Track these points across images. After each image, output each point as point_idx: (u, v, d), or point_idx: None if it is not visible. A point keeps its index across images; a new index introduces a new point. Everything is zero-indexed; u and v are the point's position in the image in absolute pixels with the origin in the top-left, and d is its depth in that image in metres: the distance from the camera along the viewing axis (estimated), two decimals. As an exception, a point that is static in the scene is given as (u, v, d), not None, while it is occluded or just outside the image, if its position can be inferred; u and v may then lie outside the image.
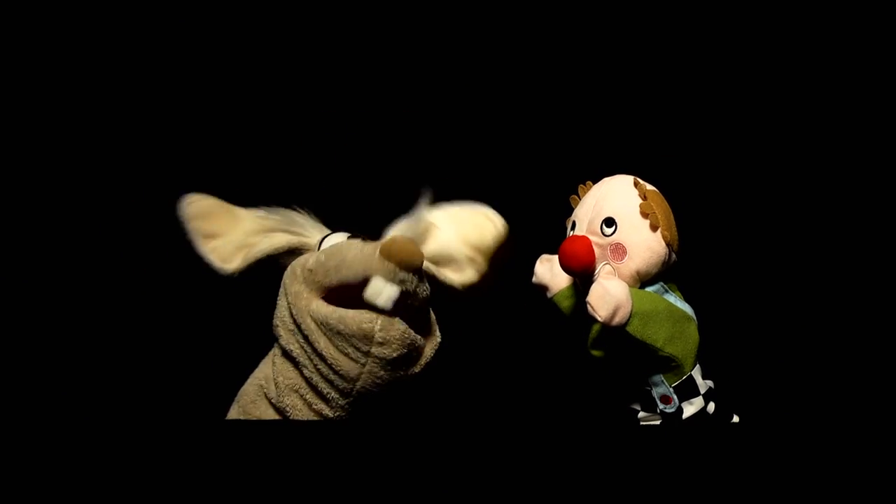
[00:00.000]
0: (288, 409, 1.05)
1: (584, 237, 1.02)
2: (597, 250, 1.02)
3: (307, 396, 1.04)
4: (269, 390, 1.07)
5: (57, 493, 0.84)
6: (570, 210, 1.08)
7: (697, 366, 1.04)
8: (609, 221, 1.02)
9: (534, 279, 1.10)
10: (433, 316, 1.09)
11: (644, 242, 1.02)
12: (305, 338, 1.02)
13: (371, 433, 0.97)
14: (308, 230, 1.11)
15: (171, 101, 1.36)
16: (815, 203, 1.30)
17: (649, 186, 1.05)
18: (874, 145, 1.30)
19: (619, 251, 1.02)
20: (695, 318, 1.05)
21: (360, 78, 1.37)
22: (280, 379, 1.06)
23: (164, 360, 1.29)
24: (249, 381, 1.10)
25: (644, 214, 1.02)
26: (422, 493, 0.86)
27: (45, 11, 1.32)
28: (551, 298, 1.09)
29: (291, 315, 1.04)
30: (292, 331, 1.04)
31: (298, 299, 1.03)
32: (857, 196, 1.30)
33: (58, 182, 1.35)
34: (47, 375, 1.26)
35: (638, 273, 1.02)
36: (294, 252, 1.09)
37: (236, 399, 1.10)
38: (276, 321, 1.06)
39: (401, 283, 0.99)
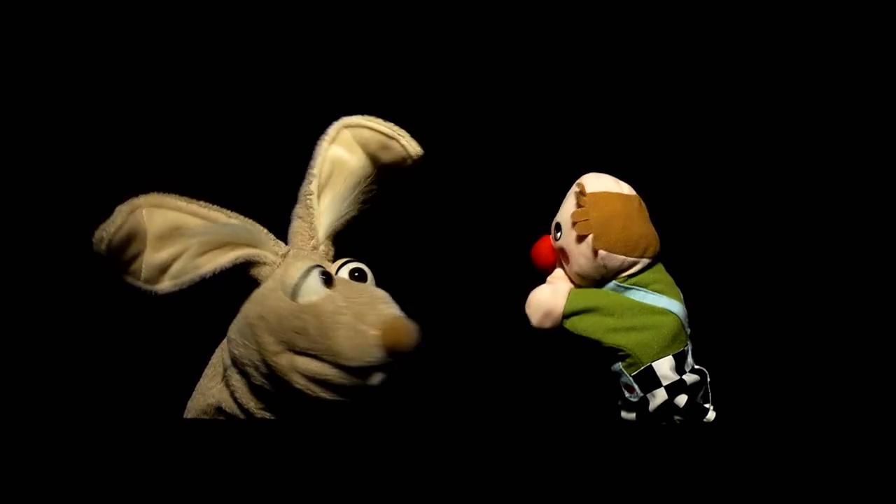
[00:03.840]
0: None
1: (546, 238, 1.09)
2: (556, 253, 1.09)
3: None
4: (234, 412, 1.04)
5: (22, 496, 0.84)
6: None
7: (669, 358, 1.04)
8: (557, 227, 1.08)
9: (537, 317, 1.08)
10: None
11: (576, 249, 1.05)
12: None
13: (360, 436, 0.97)
14: (253, 240, 1.02)
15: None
16: (811, 201, 1.30)
17: (604, 186, 1.05)
18: (862, 142, 1.29)
19: (565, 256, 1.07)
20: (676, 312, 1.05)
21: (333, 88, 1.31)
22: (251, 405, 1.03)
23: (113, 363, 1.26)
24: (201, 399, 1.05)
25: (573, 223, 1.04)
26: (412, 494, 0.86)
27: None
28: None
29: (263, 362, 1.00)
30: (266, 374, 1.00)
31: (268, 350, 0.98)
32: (849, 194, 1.29)
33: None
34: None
35: (580, 276, 1.07)
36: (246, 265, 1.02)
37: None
38: (244, 360, 1.01)
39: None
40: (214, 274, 1.00)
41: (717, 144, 1.31)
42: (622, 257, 1.04)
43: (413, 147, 1.05)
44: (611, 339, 1.04)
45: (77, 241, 1.13)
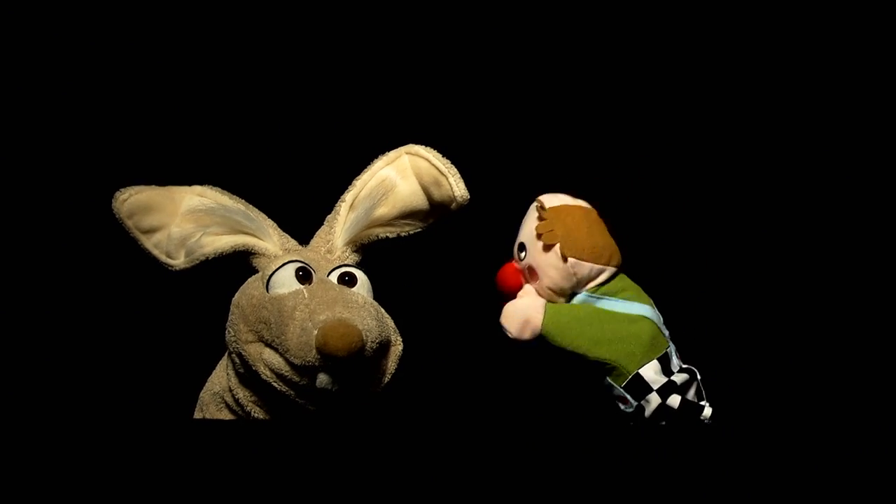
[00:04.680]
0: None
1: (509, 265, 1.09)
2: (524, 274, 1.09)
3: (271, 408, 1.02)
4: (230, 402, 1.04)
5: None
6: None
7: (654, 363, 1.04)
8: (521, 247, 1.08)
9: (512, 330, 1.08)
10: (392, 322, 1.03)
11: (546, 262, 1.06)
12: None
13: (350, 443, 0.94)
14: (257, 229, 1.06)
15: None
16: (807, 200, 1.31)
17: (561, 201, 1.07)
18: (835, 141, 1.30)
19: (533, 273, 1.07)
20: (650, 316, 1.06)
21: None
22: (241, 394, 1.03)
23: (115, 362, 1.26)
24: (207, 388, 1.07)
25: (538, 235, 1.05)
26: (403, 495, 0.85)
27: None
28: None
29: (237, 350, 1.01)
30: (243, 362, 1.00)
31: (240, 338, 1.00)
32: (843, 193, 1.30)
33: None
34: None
35: (552, 290, 1.07)
36: (245, 253, 1.05)
37: (198, 407, 1.07)
38: (230, 346, 1.02)
39: (343, 367, 0.95)
40: (216, 256, 1.04)
41: (667, 157, 1.32)
42: (590, 264, 1.05)
43: (459, 190, 1.03)
44: (595, 353, 1.04)
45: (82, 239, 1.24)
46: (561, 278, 1.05)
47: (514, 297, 1.08)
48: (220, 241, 1.05)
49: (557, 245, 1.05)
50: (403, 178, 1.06)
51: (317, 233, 1.09)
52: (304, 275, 1.00)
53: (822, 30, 1.31)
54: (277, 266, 1.01)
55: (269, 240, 1.06)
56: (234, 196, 1.09)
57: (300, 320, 0.95)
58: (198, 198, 1.07)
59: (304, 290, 0.98)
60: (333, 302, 0.96)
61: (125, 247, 1.07)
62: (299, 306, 0.96)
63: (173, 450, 0.90)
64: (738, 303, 1.29)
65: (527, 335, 1.05)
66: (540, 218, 1.06)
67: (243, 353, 0.99)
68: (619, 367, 1.04)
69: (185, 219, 1.06)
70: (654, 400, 1.03)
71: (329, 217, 1.09)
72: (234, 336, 1.00)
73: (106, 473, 0.86)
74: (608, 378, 1.05)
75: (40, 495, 0.84)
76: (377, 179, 1.07)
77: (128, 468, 0.86)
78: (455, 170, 1.04)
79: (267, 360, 0.97)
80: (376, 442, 0.92)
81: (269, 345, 0.97)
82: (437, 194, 1.05)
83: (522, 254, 1.07)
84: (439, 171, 1.04)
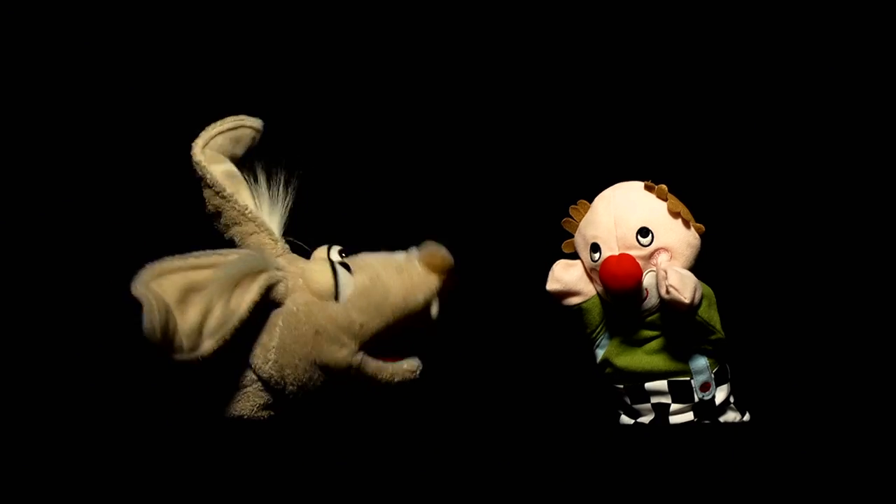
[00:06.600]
0: None
1: (625, 255, 0.99)
2: (640, 263, 1.00)
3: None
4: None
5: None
6: (564, 232, 1.07)
7: None
8: (644, 231, 1.01)
9: (556, 286, 1.05)
10: None
11: (683, 240, 1.01)
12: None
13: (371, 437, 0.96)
14: (270, 262, 1.00)
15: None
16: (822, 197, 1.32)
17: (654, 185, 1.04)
18: (867, 143, 1.31)
19: (658, 258, 1.02)
20: None
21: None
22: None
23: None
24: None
25: (674, 214, 1.01)
26: (410, 495, 0.85)
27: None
28: (579, 305, 1.06)
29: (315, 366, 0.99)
30: (303, 383, 0.99)
31: (338, 360, 0.98)
32: (858, 193, 1.31)
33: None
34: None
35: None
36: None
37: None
38: (288, 381, 0.99)
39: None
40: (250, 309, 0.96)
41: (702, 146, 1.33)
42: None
43: (256, 121, 1.08)
44: (721, 331, 1.01)
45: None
46: (694, 257, 1.02)
47: (632, 291, 0.99)
48: (247, 295, 0.96)
49: (691, 223, 1.02)
50: (225, 161, 1.06)
51: (255, 245, 1.04)
52: (345, 266, 1.01)
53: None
54: (331, 277, 1.00)
55: (275, 264, 1.01)
56: (182, 255, 0.97)
57: (392, 281, 0.99)
58: (174, 279, 0.93)
59: (360, 273, 1.00)
60: (385, 259, 1.01)
61: (121, 249, 1.08)
62: (375, 280, 0.99)
63: (171, 452, 0.90)
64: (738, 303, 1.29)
65: (696, 302, 0.98)
66: (663, 197, 1.02)
67: (356, 368, 0.99)
68: (720, 352, 1.03)
69: (183, 308, 0.93)
70: (725, 389, 1.04)
71: (249, 228, 1.04)
72: (318, 365, 0.99)
73: (105, 476, 0.86)
74: (707, 362, 1.02)
75: (40, 496, 0.84)
76: (227, 178, 1.05)
77: (126, 470, 0.87)
78: (238, 115, 1.07)
79: (372, 369, 1.00)
80: (376, 444, 0.93)
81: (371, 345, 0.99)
82: (240, 150, 1.07)
83: (647, 238, 1.00)
84: (233, 127, 1.07)
